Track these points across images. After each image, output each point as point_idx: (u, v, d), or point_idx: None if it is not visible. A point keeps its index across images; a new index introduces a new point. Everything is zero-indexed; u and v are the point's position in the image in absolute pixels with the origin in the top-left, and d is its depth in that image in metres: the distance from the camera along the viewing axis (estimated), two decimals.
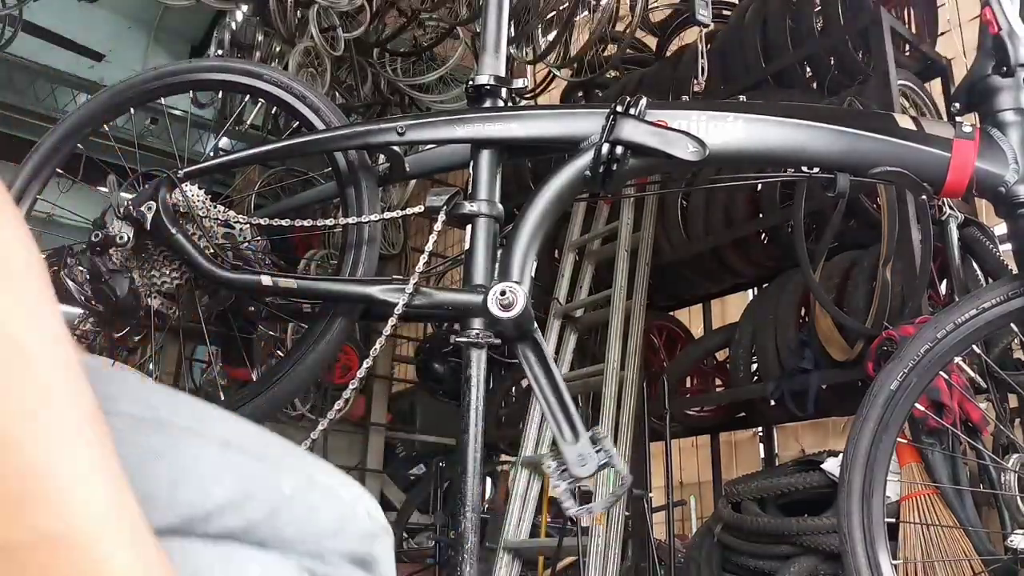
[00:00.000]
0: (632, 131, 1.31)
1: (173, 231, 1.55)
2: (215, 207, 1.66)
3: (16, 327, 0.34)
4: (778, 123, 1.31)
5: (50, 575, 0.33)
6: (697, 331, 5.15)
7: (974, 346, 1.66)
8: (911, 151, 1.25)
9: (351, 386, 1.48)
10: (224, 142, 7.64)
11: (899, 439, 1.48)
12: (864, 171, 1.27)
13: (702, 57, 4.20)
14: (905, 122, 1.29)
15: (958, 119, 1.32)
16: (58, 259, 1.62)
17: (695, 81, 4.29)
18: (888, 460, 1.38)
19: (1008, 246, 3.65)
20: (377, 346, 1.37)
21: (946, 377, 2.41)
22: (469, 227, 1.41)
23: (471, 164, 1.46)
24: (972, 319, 1.36)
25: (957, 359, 2.39)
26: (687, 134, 1.30)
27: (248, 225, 1.68)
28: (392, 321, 1.37)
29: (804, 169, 1.31)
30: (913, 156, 1.25)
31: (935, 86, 4.30)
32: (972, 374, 2.78)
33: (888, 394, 1.38)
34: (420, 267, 1.42)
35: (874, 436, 1.38)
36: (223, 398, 1.55)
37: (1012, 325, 1.41)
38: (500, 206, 1.42)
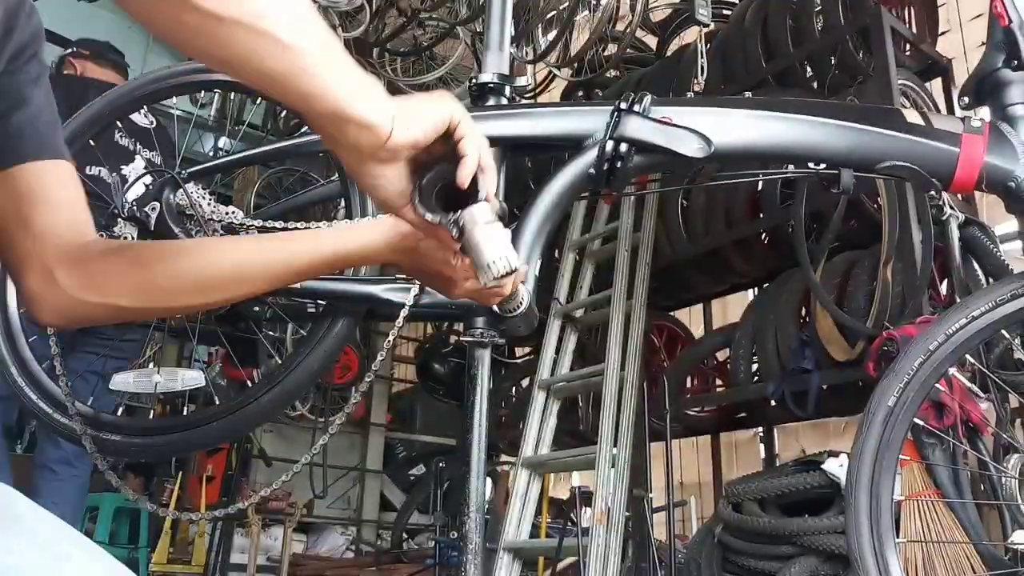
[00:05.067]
0: (637, 128, 1.29)
1: (177, 231, 1.55)
2: (219, 207, 1.66)
3: None
4: (784, 118, 1.29)
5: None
6: (697, 331, 5.15)
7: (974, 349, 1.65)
8: (919, 146, 1.23)
9: (358, 391, 1.48)
10: (222, 141, 7.63)
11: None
12: (871, 166, 1.25)
13: (702, 57, 4.21)
14: (913, 117, 1.27)
15: (966, 113, 1.31)
16: None
17: (695, 81, 4.30)
18: (893, 479, 1.38)
19: (1009, 246, 3.60)
20: (384, 349, 1.37)
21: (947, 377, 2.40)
22: None
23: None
24: (962, 329, 1.35)
25: (952, 370, 2.38)
26: (692, 131, 1.28)
27: (252, 225, 1.68)
28: (399, 322, 1.36)
29: (810, 165, 1.29)
30: (921, 151, 1.23)
31: (936, 86, 4.30)
32: (967, 384, 2.75)
33: (886, 411, 1.37)
34: None
35: (876, 455, 1.37)
36: (218, 401, 1.54)
37: (1003, 331, 1.41)
38: (504, 205, 1.41)
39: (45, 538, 0.67)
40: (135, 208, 1.59)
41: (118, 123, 2.76)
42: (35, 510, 0.70)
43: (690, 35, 5.34)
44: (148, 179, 1.66)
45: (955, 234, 3.16)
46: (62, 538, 0.69)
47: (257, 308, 1.68)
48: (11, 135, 0.89)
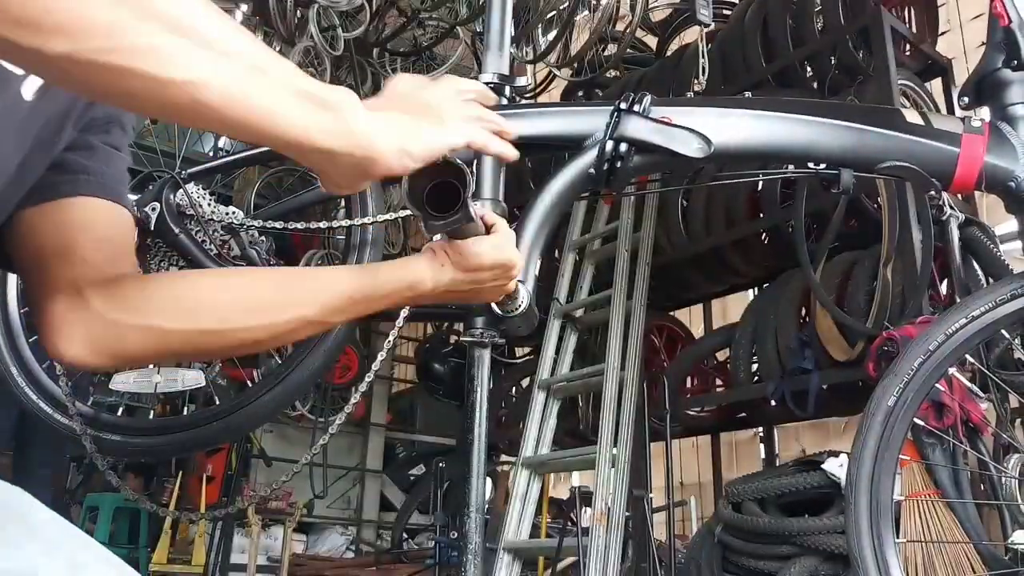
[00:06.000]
0: (637, 128, 1.29)
1: (177, 231, 1.56)
2: (218, 207, 1.66)
3: None
4: (784, 119, 1.29)
5: None
6: (697, 331, 5.15)
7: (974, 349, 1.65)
8: (919, 146, 1.24)
9: (358, 391, 1.48)
10: (222, 141, 7.63)
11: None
12: (871, 166, 1.26)
13: (703, 56, 4.20)
14: (913, 117, 1.28)
15: (966, 113, 1.31)
16: None
17: (696, 81, 4.30)
18: (893, 478, 1.38)
19: (1009, 246, 3.59)
20: (384, 349, 1.37)
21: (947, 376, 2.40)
22: None
23: (475, 162, 1.45)
24: (963, 328, 1.35)
25: (952, 370, 2.38)
26: (692, 131, 1.28)
27: (252, 225, 1.68)
28: (400, 322, 1.36)
29: (810, 165, 1.29)
30: (921, 151, 1.24)
31: (936, 86, 4.30)
32: (967, 384, 2.74)
33: (886, 411, 1.38)
34: None
35: (876, 454, 1.37)
36: (219, 401, 1.55)
37: (1003, 331, 1.40)
38: (504, 204, 1.42)
39: (59, 544, 0.67)
40: (135, 208, 1.59)
41: None
42: (51, 516, 0.70)
43: (690, 35, 5.35)
44: None
45: (955, 234, 3.16)
46: (78, 545, 0.68)
47: None
48: (73, 170, 0.84)
